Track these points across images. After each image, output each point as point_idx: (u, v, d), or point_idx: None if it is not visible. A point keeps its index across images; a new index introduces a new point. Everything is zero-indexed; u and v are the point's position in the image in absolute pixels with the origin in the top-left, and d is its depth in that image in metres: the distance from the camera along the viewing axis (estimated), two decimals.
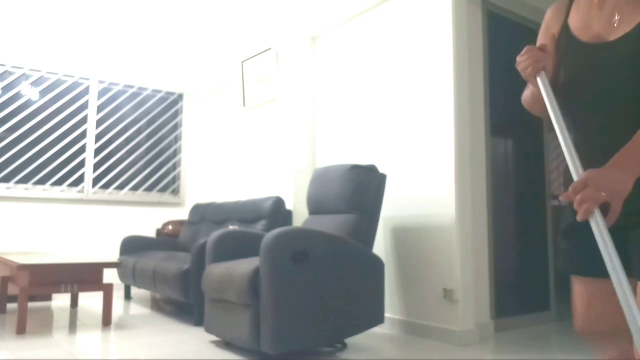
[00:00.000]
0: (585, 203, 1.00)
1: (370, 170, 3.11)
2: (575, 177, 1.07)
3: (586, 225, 1.12)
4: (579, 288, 1.26)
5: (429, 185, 3.30)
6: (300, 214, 4.26)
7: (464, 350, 2.91)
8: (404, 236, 3.46)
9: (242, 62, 5.03)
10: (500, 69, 3.59)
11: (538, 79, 1.21)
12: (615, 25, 1.17)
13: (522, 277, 3.74)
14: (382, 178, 3.14)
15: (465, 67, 3.29)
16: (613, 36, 1.16)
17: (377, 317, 2.87)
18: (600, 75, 1.17)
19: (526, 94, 1.34)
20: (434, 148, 3.28)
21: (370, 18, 3.93)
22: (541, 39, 1.34)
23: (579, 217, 1.02)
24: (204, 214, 4.90)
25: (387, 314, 3.51)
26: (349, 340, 3.10)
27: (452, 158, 3.16)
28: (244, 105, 5.11)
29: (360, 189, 3.04)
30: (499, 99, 3.58)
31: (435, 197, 3.26)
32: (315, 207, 3.32)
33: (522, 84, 1.33)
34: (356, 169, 3.10)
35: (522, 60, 1.23)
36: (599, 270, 1.14)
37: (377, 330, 3.45)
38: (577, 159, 1.09)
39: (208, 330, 2.97)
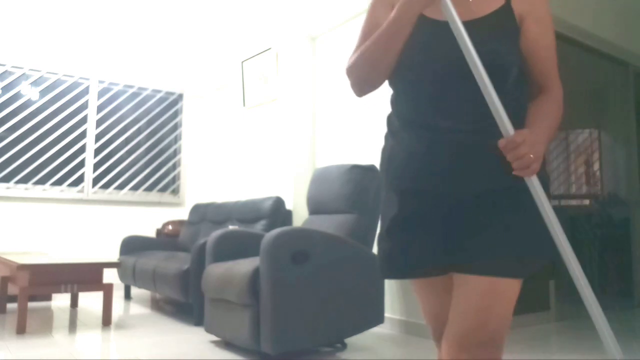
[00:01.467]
0: (532, 161, 0.96)
1: (370, 170, 3.10)
2: (507, 132, 0.98)
3: (412, 220, 1.12)
4: (420, 291, 1.21)
5: None
6: (300, 214, 4.26)
7: None
8: None
9: (242, 62, 5.03)
10: None
11: (447, 1, 1.02)
12: (470, 5, 1.12)
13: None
14: (382, 178, 3.13)
15: None
16: (468, 17, 1.10)
17: (377, 317, 2.86)
18: (446, 53, 1.08)
19: (374, 42, 1.11)
20: None
21: None
22: (377, 10, 1.19)
23: (523, 173, 0.96)
24: (204, 214, 4.90)
25: (387, 314, 3.50)
26: (349, 340, 3.10)
27: None
28: (244, 105, 5.11)
29: (360, 189, 3.04)
30: None
31: None
32: (315, 207, 3.31)
33: None
34: (356, 169, 3.10)
35: None
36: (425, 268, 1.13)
37: (377, 330, 3.45)
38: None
39: (208, 330, 2.97)
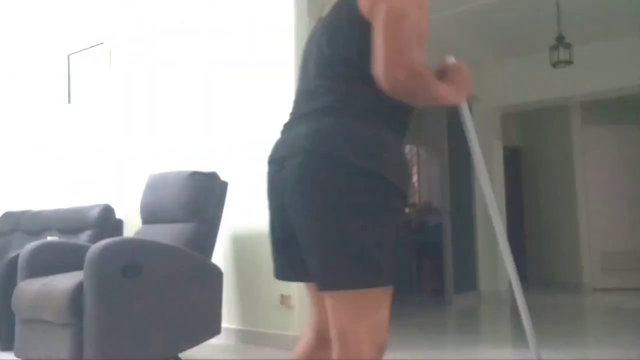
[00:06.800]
0: None
1: (212, 177, 3.04)
2: None
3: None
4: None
5: None
6: (133, 224, 3.99)
7: None
8: (243, 244, 3.45)
9: (69, 55, 4.58)
10: None
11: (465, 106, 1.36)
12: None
13: None
14: (223, 186, 3.09)
15: None
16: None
17: (213, 328, 2.80)
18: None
19: (427, 86, 1.09)
20: None
21: (223, 20, 3.86)
22: (427, 11, 1.22)
23: None
24: (16, 224, 4.31)
25: (223, 324, 3.44)
26: (184, 354, 2.98)
27: None
28: (69, 102, 4.64)
29: (201, 197, 2.96)
30: None
31: None
32: (150, 215, 3.14)
33: None
34: (196, 175, 3.01)
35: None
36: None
37: (212, 341, 3.37)
38: None
39: (18, 355, 2.62)
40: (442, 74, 1.24)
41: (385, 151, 1.07)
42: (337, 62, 1.13)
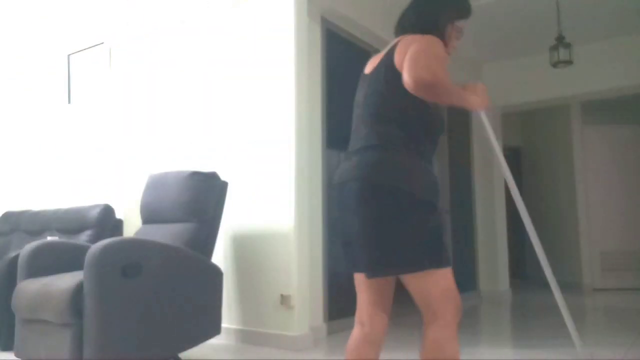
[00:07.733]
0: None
1: (212, 177, 3.04)
2: None
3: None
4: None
5: (270, 193, 3.34)
6: (132, 224, 3.99)
7: (299, 355, 2.99)
8: (243, 244, 3.45)
9: (69, 55, 4.58)
10: (337, 84, 3.80)
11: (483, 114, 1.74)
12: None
13: (353, 279, 3.96)
14: (223, 186, 3.09)
15: (305, 81, 3.41)
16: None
17: (213, 329, 2.80)
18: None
19: (447, 90, 1.44)
20: (275, 158, 3.34)
21: (223, 20, 3.86)
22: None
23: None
24: (16, 224, 4.31)
25: (223, 324, 3.44)
26: (184, 354, 2.98)
27: (292, 168, 3.24)
28: (69, 102, 4.64)
29: (201, 197, 2.95)
30: (335, 114, 3.79)
31: (275, 206, 3.31)
32: (150, 215, 3.14)
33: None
34: (197, 175, 3.00)
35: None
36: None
37: (212, 341, 3.37)
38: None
39: (18, 355, 2.62)
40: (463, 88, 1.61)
41: (415, 176, 1.45)
42: (382, 117, 1.51)
